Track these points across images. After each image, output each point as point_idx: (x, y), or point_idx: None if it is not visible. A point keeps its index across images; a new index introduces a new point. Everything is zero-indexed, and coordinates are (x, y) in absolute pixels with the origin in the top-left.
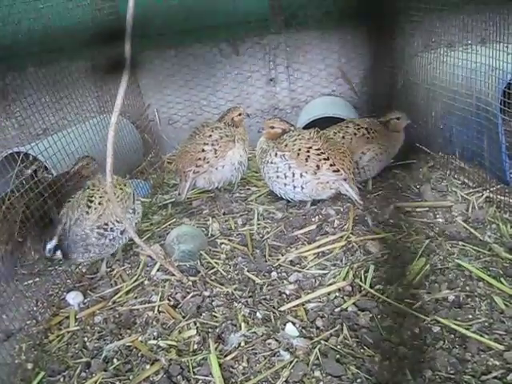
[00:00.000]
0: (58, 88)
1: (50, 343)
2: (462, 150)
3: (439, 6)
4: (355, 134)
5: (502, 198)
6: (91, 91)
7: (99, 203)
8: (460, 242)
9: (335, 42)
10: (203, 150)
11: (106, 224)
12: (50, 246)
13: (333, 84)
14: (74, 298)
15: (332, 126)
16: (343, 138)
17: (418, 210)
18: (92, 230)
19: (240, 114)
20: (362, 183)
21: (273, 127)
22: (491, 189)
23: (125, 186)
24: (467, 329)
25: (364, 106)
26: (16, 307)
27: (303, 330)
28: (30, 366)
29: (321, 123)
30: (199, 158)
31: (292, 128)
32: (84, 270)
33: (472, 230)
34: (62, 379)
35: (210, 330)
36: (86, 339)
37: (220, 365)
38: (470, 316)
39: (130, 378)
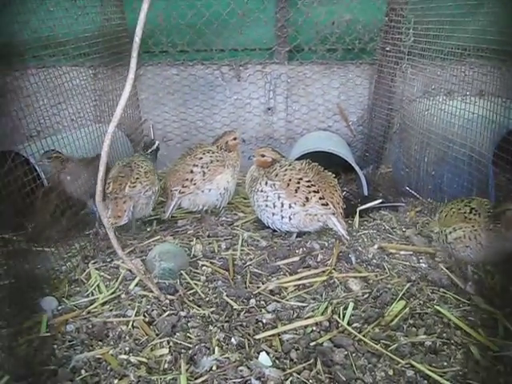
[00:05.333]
0: (57, 92)
1: (18, 347)
2: (452, 199)
3: (442, 55)
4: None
5: None
6: (90, 99)
7: None
8: (441, 289)
9: (336, 79)
10: (192, 172)
11: None
12: None
13: (330, 120)
14: (48, 304)
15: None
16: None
17: (402, 252)
18: None
19: (235, 139)
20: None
21: (263, 155)
22: None
23: None
24: (441, 376)
25: (358, 145)
26: None
27: (277, 361)
28: None
29: (313, 157)
30: (186, 179)
31: (283, 159)
32: (62, 277)
33: (454, 278)
34: None
35: (182, 350)
36: (55, 347)
37: None
38: (445, 363)
39: None
